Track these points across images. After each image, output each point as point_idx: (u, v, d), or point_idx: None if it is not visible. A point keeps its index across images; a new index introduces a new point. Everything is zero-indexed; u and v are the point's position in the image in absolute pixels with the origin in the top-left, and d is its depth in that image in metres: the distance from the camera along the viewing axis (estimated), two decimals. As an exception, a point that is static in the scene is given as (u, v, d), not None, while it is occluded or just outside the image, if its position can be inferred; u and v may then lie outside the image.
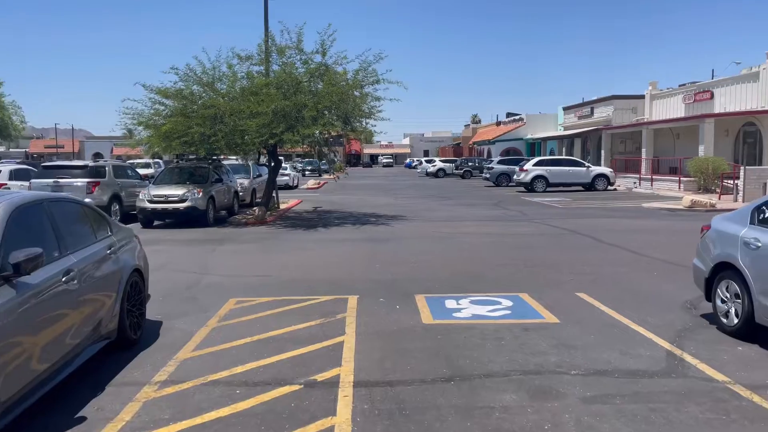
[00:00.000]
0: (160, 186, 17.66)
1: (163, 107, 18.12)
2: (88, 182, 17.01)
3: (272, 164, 20.08)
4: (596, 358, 5.64)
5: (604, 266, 10.36)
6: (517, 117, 64.14)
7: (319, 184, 39.68)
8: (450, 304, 7.79)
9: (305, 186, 38.22)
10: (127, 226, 6.82)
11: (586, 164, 32.98)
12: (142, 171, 29.02)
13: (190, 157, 19.68)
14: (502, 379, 5.13)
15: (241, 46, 32.16)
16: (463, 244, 13.35)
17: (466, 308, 7.54)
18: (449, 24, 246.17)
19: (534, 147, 57.12)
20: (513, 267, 10.40)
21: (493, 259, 11.22)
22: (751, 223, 6.20)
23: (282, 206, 22.75)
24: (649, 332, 6.42)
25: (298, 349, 5.96)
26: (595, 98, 45.70)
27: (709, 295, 6.70)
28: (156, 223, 17.55)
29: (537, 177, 31.20)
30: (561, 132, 50.41)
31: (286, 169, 35.01)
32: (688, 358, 5.62)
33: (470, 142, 78.85)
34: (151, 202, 16.91)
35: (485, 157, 62.03)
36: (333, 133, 20.10)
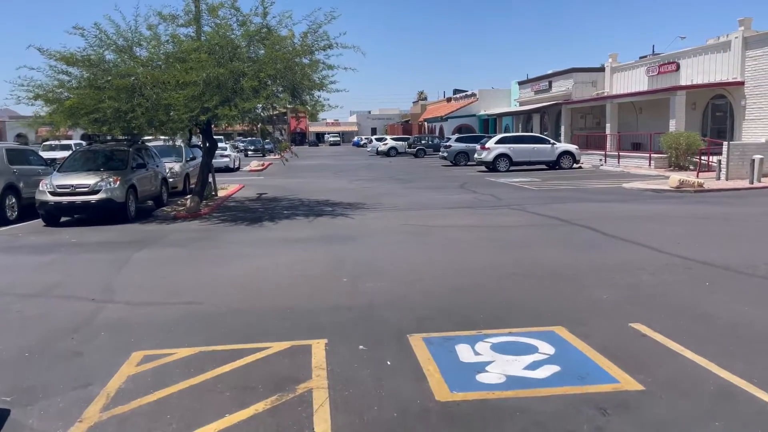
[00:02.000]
0: (67, 174, 14.40)
1: (67, 77, 14.81)
2: (-29, 171, 13.63)
3: (207, 145, 17.05)
4: (765, 488, 3.23)
5: (636, 274, 8.03)
6: (468, 93, 61.86)
7: (263, 165, 36.44)
8: (464, 353, 5.27)
9: (248, 168, 34.92)
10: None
11: (551, 141, 31.00)
12: (62, 154, 25.30)
13: (107, 138, 16.44)
14: None
15: (163, 3, 28.41)
16: (445, 242, 10.86)
17: (492, 362, 5.04)
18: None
19: (488, 124, 55.07)
20: (522, 277, 7.97)
21: (492, 265, 8.76)
22: None
23: (220, 193, 19.77)
24: (796, 409, 4.08)
25: (232, 484, 3.33)
26: (551, 71, 43.82)
27: None
28: (64, 219, 14.39)
29: (500, 155, 29.05)
30: (516, 108, 48.44)
31: (225, 149, 31.76)
32: None
33: (420, 119, 76.31)
34: (54, 194, 13.70)
35: (437, 134, 59.76)
36: (279, 109, 17.20)
